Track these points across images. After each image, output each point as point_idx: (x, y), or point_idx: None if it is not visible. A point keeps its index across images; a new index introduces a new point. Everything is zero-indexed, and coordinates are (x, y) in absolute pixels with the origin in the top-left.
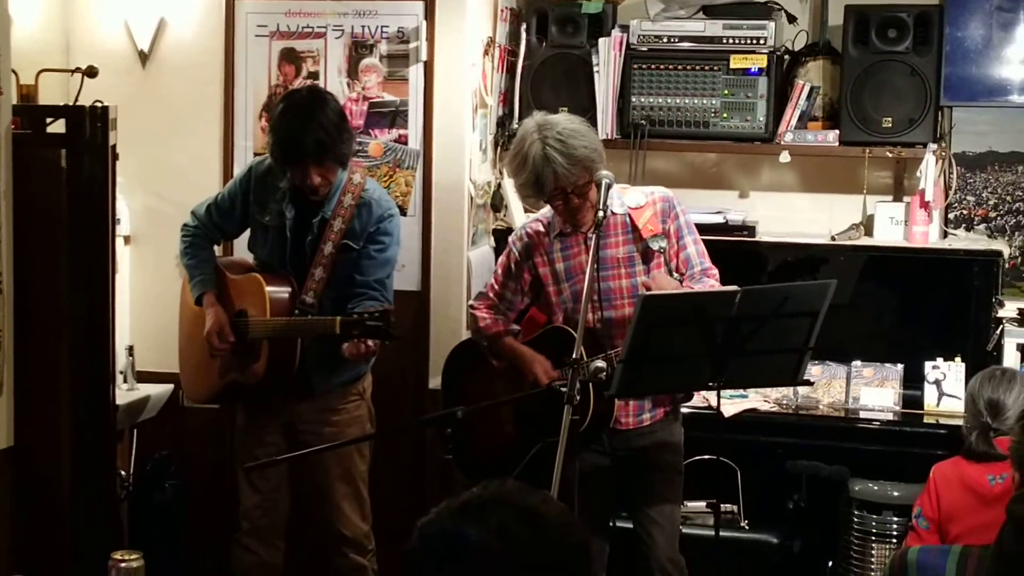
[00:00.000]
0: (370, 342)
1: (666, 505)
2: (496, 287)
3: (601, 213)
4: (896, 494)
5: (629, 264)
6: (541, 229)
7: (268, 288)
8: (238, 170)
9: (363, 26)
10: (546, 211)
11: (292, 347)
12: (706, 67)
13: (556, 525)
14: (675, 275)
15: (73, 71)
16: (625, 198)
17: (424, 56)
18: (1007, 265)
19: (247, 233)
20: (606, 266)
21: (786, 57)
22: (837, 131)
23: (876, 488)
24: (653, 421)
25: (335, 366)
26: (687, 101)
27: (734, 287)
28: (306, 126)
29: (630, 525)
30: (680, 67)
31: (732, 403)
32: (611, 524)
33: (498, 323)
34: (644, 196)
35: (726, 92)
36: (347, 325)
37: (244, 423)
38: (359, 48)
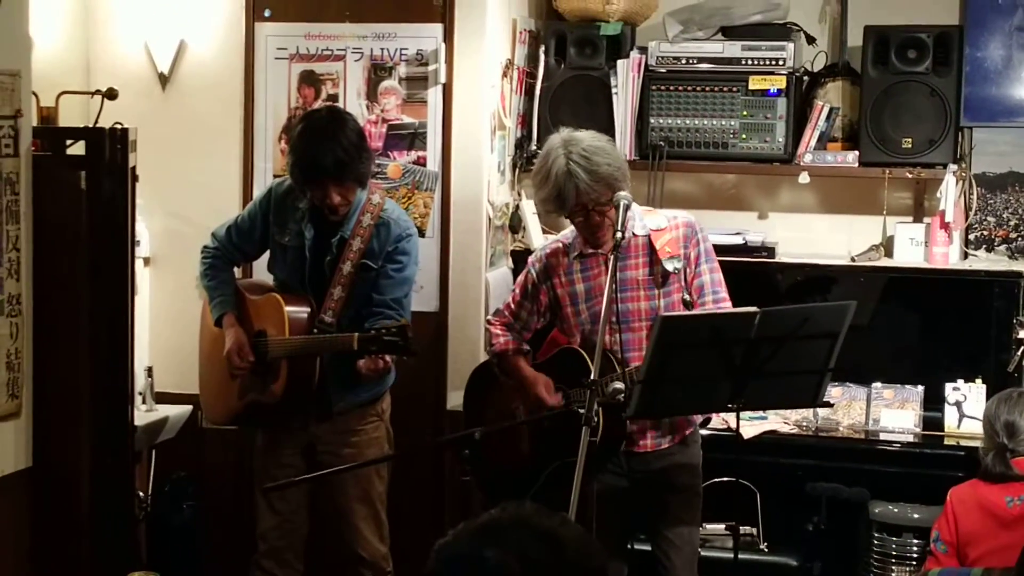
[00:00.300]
0: (387, 358)
1: (684, 528)
2: (512, 306)
3: (620, 234)
4: (916, 516)
5: (648, 287)
6: (561, 249)
7: (287, 308)
8: (257, 192)
9: (382, 48)
10: (566, 232)
11: (311, 366)
12: (725, 88)
13: (575, 548)
14: (686, 298)
15: (93, 93)
16: (647, 220)
17: (443, 78)
18: None
19: (267, 255)
20: (625, 288)
21: (805, 78)
22: (856, 152)
23: (896, 510)
24: (671, 444)
25: (354, 385)
26: (706, 122)
27: (753, 308)
28: (326, 146)
29: (648, 547)
30: (699, 88)
31: (751, 425)
32: (629, 546)
33: (509, 341)
34: (666, 220)
35: (745, 113)
36: (365, 341)
37: (263, 444)
38: (378, 70)
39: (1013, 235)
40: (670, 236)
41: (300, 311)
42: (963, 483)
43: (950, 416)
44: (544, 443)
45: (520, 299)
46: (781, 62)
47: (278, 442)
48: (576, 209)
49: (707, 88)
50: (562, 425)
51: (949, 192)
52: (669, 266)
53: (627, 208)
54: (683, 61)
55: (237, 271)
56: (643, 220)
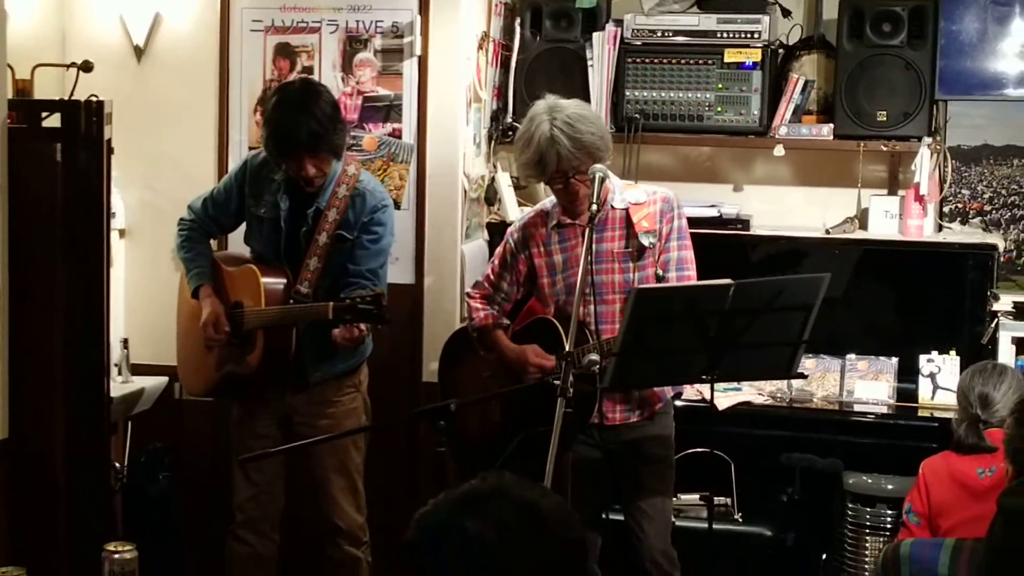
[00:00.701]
0: (362, 326)
1: (657, 498)
2: (492, 277)
3: (595, 207)
4: (890, 487)
5: (623, 259)
6: (540, 219)
7: (263, 279)
8: (233, 164)
9: (357, 21)
10: (544, 202)
11: (287, 337)
12: (700, 61)
13: (554, 519)
14: (659, 272)
15: (68, 66)
16: (627, 194)
17: (418, 51)
18: (1002, 259)
19: (243, 228)
20: (601, 260)
21: (780, 51)
22: (831, 125)
23: (870, 481)
24: (641, 418)
25: (330, 356)
26: (681, 95)
27: (727, 280)
28: (299, 118)
29: (621, 518)
30: (674, 61)
31: (726, 396)
32: (604, 516)
33: (489, 316)
34: (646, 195)
35: (720, 86)
36: (339, 310)
37: (239, 415)
38: (353, 43)
39: (987, 208)
40: (648, 211)
41: (276, 282)
42: (935, 455)
43: (924, 388)
44: (513, 413)
45: (499, 270)
46: (756, 35)
47: (254, 413)
48: (556, 176)
49: (682, 61)
50: (531, 396)
51: (924, 165)
52: (645, 240)
53: (602, 181)
54: (658, 34)
55: (213, 243)
56: (623, 194)
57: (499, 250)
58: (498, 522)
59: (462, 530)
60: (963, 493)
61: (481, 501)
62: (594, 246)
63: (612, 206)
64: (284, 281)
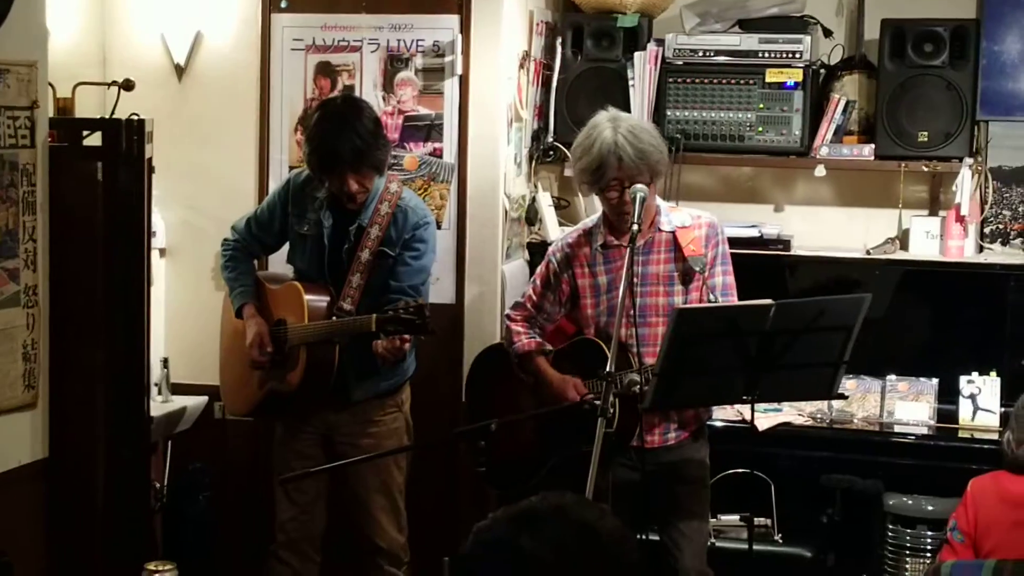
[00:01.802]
0: (405, 338)
1: (695, 520)
2: (534, 298)
3: (636, 227)
4: (930, 508)
5: (668, 283)
6: (583, 239)
7: (306, 296)
8: (273, 183)
9: (399, 40)
10: (587, 221)
11: (330, 355)
12: (742, 81)
13: (612, 542)
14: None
15: (110, 84)
16: (672, 216)
17: (459, 70)
18: None
19: (287, 247)
20: (646, 282)
21: (822, 71)
22: (873, 145)
23: (910, 502)
24: (679, 440)
25: (373, 374)
26: (722, 115)
27: (768, 301)
28: (342, 134)
29: (658, 538)
30: (716, 81)
31: (766, 417)
32: (642, 537)
33: (532, 340)
34: (691, 218)
35: (761, 106)
36: (383, 322)
37: (282, 435)
38: (394, 62)
39: None
40: (695, 235)
41: (319, 299)
42: (984, 474)
43: (964, 409)
44: (548, 435)
45: (542, 290)
46: (798, 55)
47: (296, 433)
48: (613, 184)
49: (724, 80)
50: (567, 418)
51: (965, 185)
52: (695, 266)
53: (643, 201)
54: (700, 54)
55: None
56: (668, 216)
57: (540, 270)
58: (554, 542)
59: (518, 548)
60: (1011, 513)
61: (539, 520)
62: (640, 268)
63: (659, 228)
64: (327, 299)
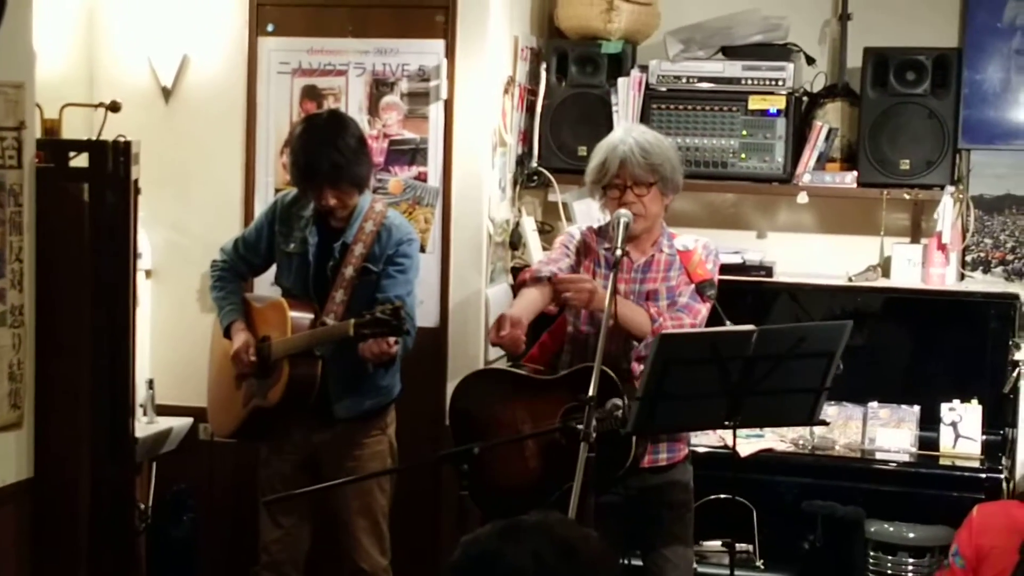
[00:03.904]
0: (390, 340)
1: (679, 545)
2: (547, 263)
3: (619, 252)
4: (912, 535)
5: (656, 300)
6: (592, 237)
7: (291, 313)
8: (259, 205)
9: (384, 64)
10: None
11: (312, 370)
12: (725, 108)
13: (589, 560)
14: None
15: (96, 106)
16: (675, 241)
17: (444, 94)
18: None
19: (273, 271)
20: (640, 299)
21: (804, 99)
22: (855, 172)
23: (892, 529)
24: (670, 461)
25: (356, 391)
26: (706, 141)
27: (750, 327)
28: (322, 148)
29: (642, 563)
30: (699, 107)
31: (748, 443)
32: (624, 562)
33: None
34: (692, 241)
35: (744, 133)
36: (360, 326)
37: (266, 457)
38: (380, 86)
39: (1010, 257)
40: (699, 256)
41: (304, 316)
42: (992, 501)
43: (945, 436)
44: (552, 466)
45: (558, 257)
46: (781, 82)
47: (281, 455)
48: (616, 182)
49: (707, 107)
50: (570, 450)
51: (946, 214)
52: (708, 292)
53: (627, 226)
54: (684, 80)
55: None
56: (671, 240)
57: (558, 243)
58: (533, 553)
59: (500, 556)
60: (1015, 543)
61: (522, 531)
62: (637, 286)
63: (661, 249)
64: (311, 315)
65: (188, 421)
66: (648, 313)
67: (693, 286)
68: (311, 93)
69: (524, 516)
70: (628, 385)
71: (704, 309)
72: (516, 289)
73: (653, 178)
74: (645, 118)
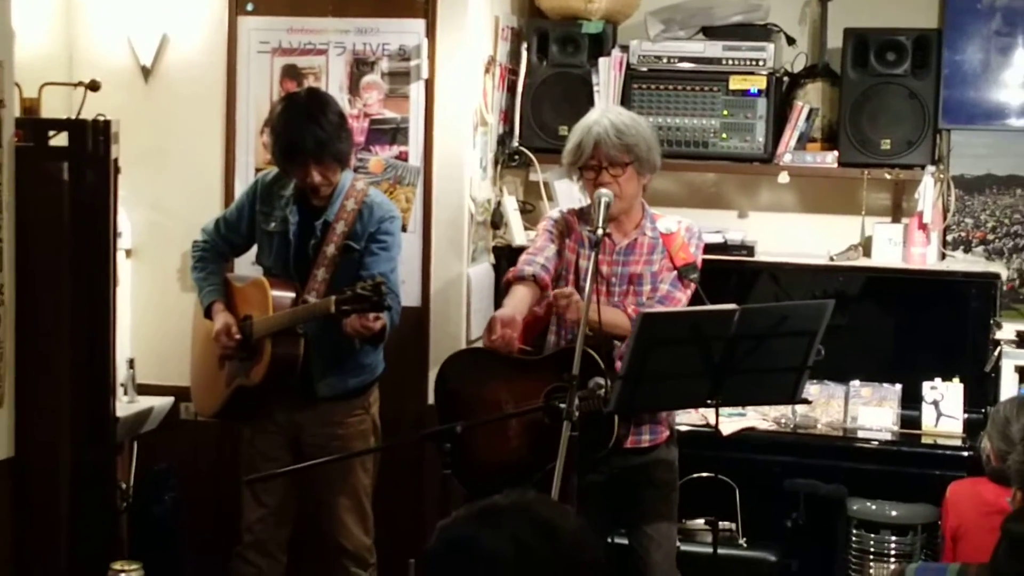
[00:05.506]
0: (372, 316)
1: (663, 523)
2: (534, 252)
3: (600, 231)
4: (894, 514)
5: (639, 283)
6: (574, 219)
7: (272, 292)
8: (240, 185)
9: (364, 43)
10: (574, 204)
11: (295, 348)
12: (706, 88)
13: (571, 540)
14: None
15: (76, 85)
16: (658, 223)
17: (425, 74)
18: (1005, 287)
19: (254, 251)
20: (623, 283)
21: (785, 79)
22: (836, 152)
23: (874, 507)
24: (653, 443)
25: (338, 369)
26: (687, 121)
27: (732, 306)
28: (305, 125)
29: (626, 542)
30: (680, 87)
31: (731, 421)
32: (609, 540)
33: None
34: (675, 223)
35: (725, 113)
36: (341, 302)
37: (249, 436)
38: (360, 65)
39: (990, 236)
40: (681, 240)
41: (285, 295)
42: (964, 479)
43: (927, 415)
44: (538, 446)
45: (543, 244)
46: (761, 63)
47: (263, 434)
48: (591, 163)
49: (688, 87)
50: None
51: (927, 193)
52: (690, 276)
53: (607, 206)
54: (664, 60)
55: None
56: (655, 223)
57: (541, 229)
58: (513, 536)
59: (478, 542)
60: (985, 520)
61: (499, 514)
62: (619, 268)
63: (644, 232)
64: (293, 294)
65: (169, 400)
66: (627, 314)
67: (675, 272)
68: (291, 72)
69: (499, 497)
70: (612, 371)
71: (685, 296)
72: (505, 288)
73: (628, 158)
74: (626, 98)
